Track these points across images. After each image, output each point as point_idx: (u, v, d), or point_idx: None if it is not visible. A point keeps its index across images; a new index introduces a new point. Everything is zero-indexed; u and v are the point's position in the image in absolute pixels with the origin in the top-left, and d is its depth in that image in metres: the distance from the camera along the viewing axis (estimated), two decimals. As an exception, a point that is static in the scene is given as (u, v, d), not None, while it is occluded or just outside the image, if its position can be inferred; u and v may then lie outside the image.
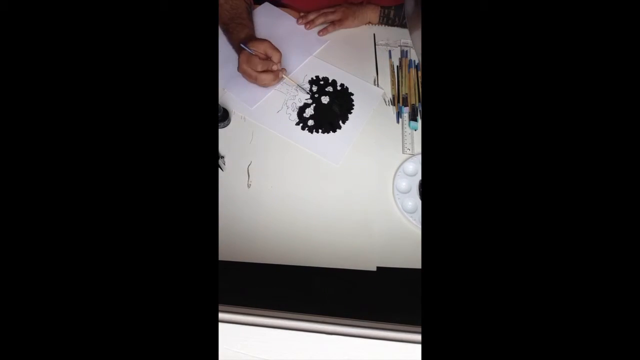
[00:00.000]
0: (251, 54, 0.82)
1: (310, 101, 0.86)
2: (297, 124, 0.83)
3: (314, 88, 0.89)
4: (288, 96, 0.87)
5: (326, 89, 0.89)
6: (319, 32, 0.97)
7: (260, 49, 0.82)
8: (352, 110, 0.86)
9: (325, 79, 0.90)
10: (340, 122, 0.84)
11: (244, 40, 0.85)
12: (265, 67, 0.82)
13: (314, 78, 0.90)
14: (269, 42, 0.83)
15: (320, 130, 0.83)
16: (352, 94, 0.88)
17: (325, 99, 0.87)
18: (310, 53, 0.94)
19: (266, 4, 1.01)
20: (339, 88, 0.89)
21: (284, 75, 0.85)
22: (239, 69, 0.84)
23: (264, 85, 0.85)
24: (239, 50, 0.85)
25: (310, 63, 0.92)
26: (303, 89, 0.87)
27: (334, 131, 0.83)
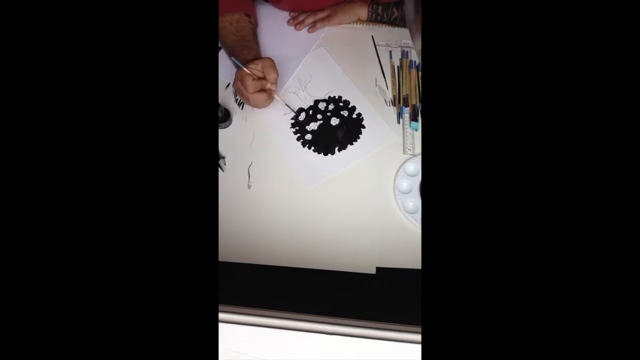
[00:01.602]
0: (246, 73, 0.79)
1: (320, 117, 0.85)
2: (296, 132, 0.83)
3: (330, 106, 0.86)
4: (304, 104, 0.87)
5: (341, 112, 0.85)
6: (308, 30, 0.98)
7: (258, 67, 0.80)
8: (354, 143, 0.81)
9: (346, 102, 0.86)
10: (337, 148, 0.81)
11: (250, 61, 0.83)
12: (258, 87, 0.79)
13: (336, 97, 0.87)
14: (271, 60, 0.81)
15: (312, 148, 0.81)
16: (364, 127, 0.83)
17: (335, 121, 0.84)
18: (307, 51, 0.94)
19: (261, 2, 1.02)
20: (354, 116, 0.85)
21: (275, 95, 0.83)
22: (234, 84, 0.82)
23: (257, 107, 0.83)
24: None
25: (336, 81, 0.89)
26: (292, 109, 0.84)
27: (325, 154, 0.80)
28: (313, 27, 0.98)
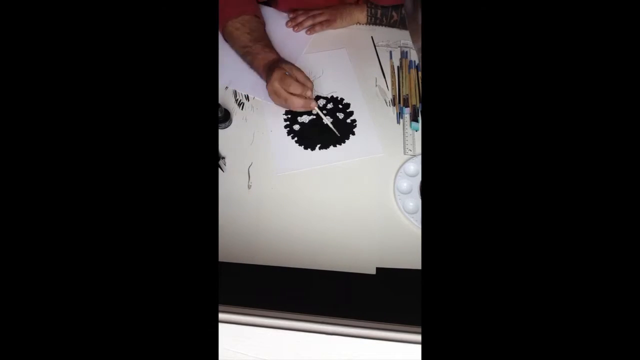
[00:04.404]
0: (286, 74, 0.79)
1: (315, 111, 0.84)
2: (286, 120, 0.84)
3: (330, 105, 0.86)
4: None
5: (337, 113, 0.85)
6: (306, 32, 0.98)
7: (294, 73, 0.81)
8: (337, 146, 0.80)
9: (346, 105, 0.85)
10: (318, 147, 0.80)
11: (276, 61, 0.83)
12: (299, 90, 0.79)
13: (338, 98, 0.86)
14: (302, 71, 0.82)
15: (295, 139, 0.81)
16: (353, 134, 0.82)
17: (327, 120, 0.83)
18: (300, 52, 0.95)
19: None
20: (348, 120, 0.83)
21: (316, 108, 0.82)
22: (270, 87, 0.81)
23: (292, 109, 0.83)
24: (267, 71, 0.82)
25: (345, 84, 0.89)
26: (332, 127, 0.82)
27: (305, 149, 0.80)
28: (311, 29, 0.98)
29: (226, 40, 0.93)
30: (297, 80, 0.80)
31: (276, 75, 0.80)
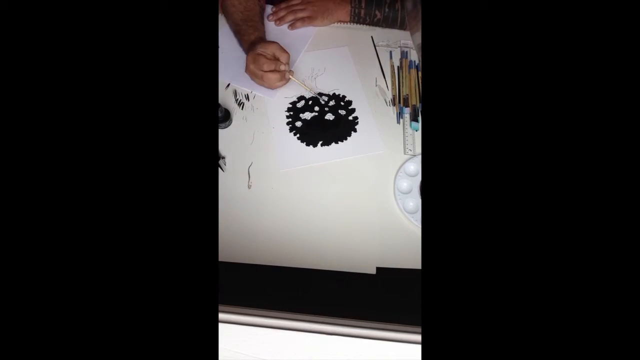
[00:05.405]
0: (258, 53, 0.82)
1: (317, 109, 0.85)
2: (288, 117, 0.84)
3: (332, 102, 0.86)
4: (307, 93, 0.87)
5: (339, 110, 0.85)
6: (288, 27, 0.99)
7: (268, 49, 0.83)
8: (339, 142, 0.81)
9: (348, 103, 0.86)
10: (320, 143, 0.81)
11: (254, 42, 0.86)
12: (272, 67, 0.82)
13: (340, 95, 0.87)
14: (278, 43, 0.84)
15: (297, 135, 0.82)
16: (355, 131, 0.82)
17: (330, 116, 0.84)
18: (302, 47, 0.95)
19: None
20: (350, 118, 0.84)
21: (290, 76, 0.85)
22: (246, 69, 0.85)
23: (270, 86, 0.85)
24: (248, 52, 0.86)
25: (347, 81, 0.89)
26: (310, 90, 0.85)
27: (307, 145, 0.80)
28: (293, 25, 0.98)
29: (221, 13, 0.95)
30: (268, 58, 0.83)
31: (250, 57, 0.84)
